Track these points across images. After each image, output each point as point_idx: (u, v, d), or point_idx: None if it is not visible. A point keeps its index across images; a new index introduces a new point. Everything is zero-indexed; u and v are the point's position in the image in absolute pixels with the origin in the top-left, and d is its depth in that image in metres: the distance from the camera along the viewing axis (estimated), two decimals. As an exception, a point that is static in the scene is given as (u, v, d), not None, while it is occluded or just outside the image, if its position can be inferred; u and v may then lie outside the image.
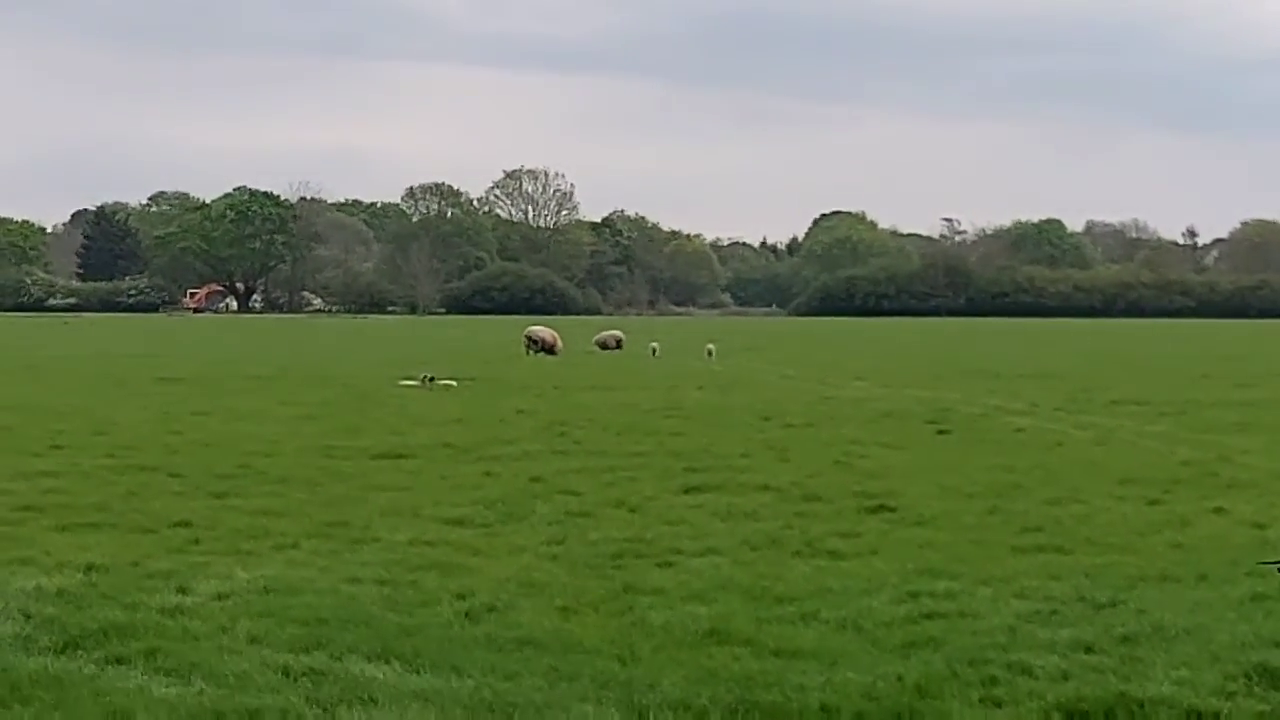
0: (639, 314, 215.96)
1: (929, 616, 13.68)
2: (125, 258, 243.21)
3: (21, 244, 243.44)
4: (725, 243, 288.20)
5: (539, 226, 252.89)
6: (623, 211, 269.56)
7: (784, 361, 68.83)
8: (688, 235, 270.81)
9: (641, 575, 15.60)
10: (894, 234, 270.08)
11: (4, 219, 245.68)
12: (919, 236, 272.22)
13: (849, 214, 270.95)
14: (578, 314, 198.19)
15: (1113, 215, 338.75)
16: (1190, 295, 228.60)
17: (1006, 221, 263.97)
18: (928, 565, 16.13)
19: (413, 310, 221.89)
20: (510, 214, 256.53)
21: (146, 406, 38.21)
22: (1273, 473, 24.66)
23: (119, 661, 12.12)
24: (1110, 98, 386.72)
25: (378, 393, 43.95)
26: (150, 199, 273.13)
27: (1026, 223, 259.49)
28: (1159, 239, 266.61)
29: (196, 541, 17.71)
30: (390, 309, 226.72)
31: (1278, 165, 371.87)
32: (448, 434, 30.70)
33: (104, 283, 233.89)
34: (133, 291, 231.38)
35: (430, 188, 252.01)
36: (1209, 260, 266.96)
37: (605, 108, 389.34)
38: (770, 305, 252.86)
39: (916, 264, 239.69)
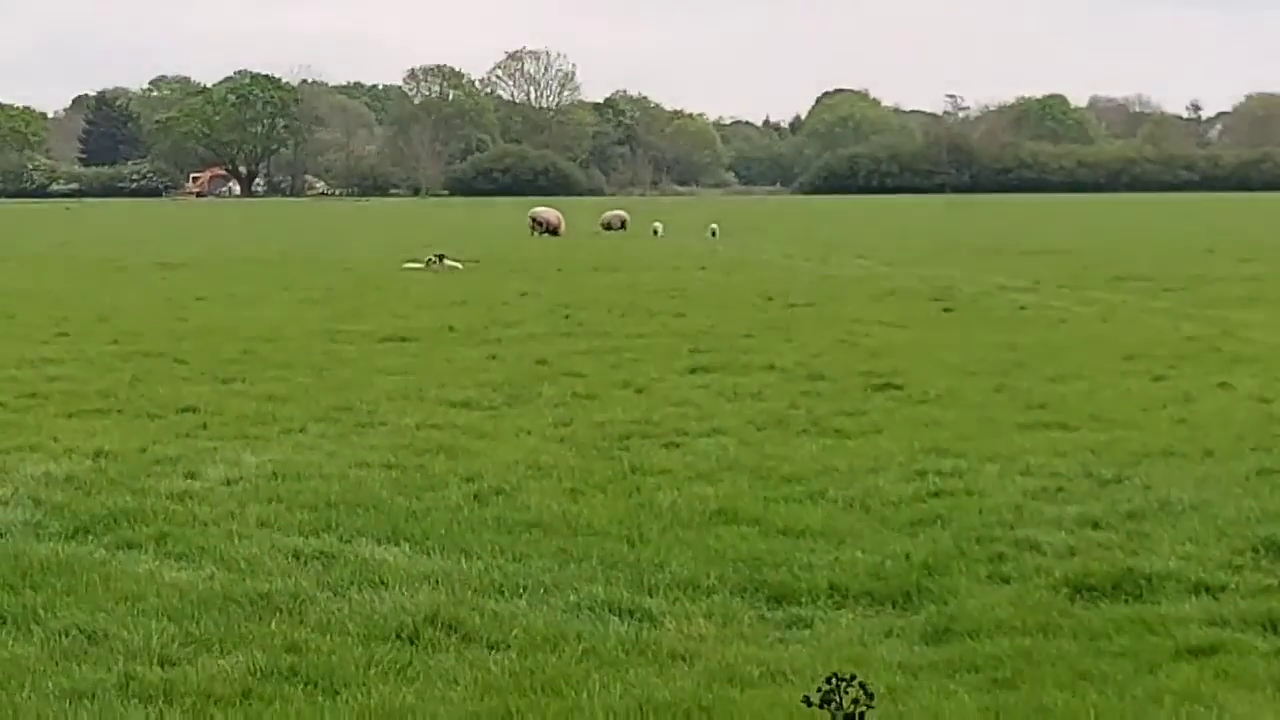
0: (642, 194, 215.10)
1: (936, 494, 13.73)
2: (127, 143, 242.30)
3: (23, 130, 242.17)
4: (728, 122, 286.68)
5: (541, 107, 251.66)
6: (625, 91, 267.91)
7: (787, 241, 68.71)
8: (690, 115, 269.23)
9: (648, 456, 15.64)
10: (897, 111, 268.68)
11: (4, 105, 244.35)
12: (922, 113, 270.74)
13: (852, 92, 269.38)
14: (581, 195, 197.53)
15: (1116, 90, 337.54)
16: (1194, 170, 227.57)
17: (1010, 98, 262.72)
18: (934, 443, 16.16)
19: (416, 193, 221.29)
20: (512, 95, 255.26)
21: (150, 293, 38.23)
22: (1276, 347, 24.69)
23: (129, 547, 12.17)
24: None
25: (381, 276, 43.94)
26: (151, 83, 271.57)
27: (1030, 99, 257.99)
28: (1163, 113, 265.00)
29: (203, 427, 17.75)
30: (393, 191, 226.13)
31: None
32: (451, 317, 30.69)
33: (106, 168, 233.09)
34: (135, 176, 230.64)
35: (431, 70, 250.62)
36: (1213, 134, 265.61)
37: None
38: (773, 184, 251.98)
39: (919, 141, 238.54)
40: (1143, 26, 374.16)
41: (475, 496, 13.77)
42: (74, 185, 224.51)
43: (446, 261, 46.22)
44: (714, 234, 71.02)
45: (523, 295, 36.47)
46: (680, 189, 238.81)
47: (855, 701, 6.72)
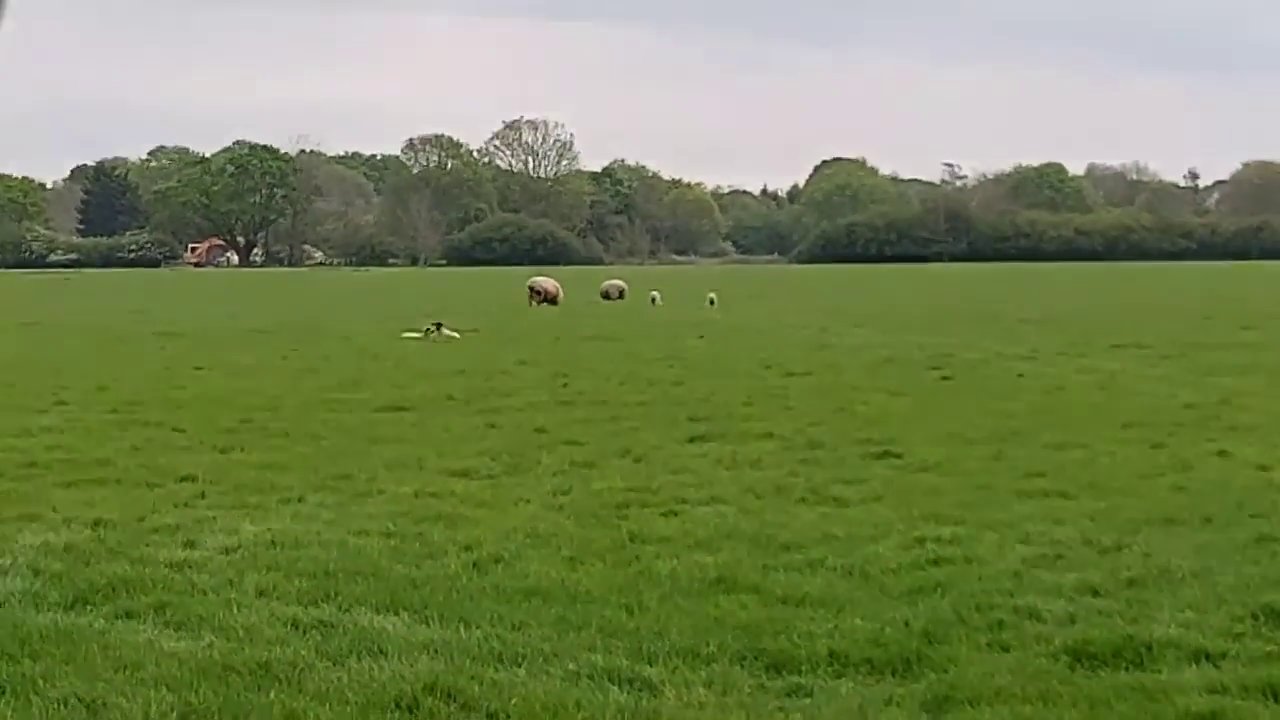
0: (640, 263, 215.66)
1: (935, 562, 13.71)
2: (125, 213, 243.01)
3: (22, 200, 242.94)
4: (726, 191, 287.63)
5: (539, 177, 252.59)
6: (623, 161, 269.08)
7: (785, 309, 68.83)
8: (688, 184, 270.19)
9: (647, 524, 15.63)
10: (894, 180, 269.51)
11: (4, 175, 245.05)
12: (919, 182, 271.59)
13: (849, 160, 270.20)
14: (579, 264, 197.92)
15: (1114, 158, 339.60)
16: (1191, 238, 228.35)
17: (1007, 166, 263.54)
18: (933, 511, 16.16)
19: (414, 262, 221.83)
20: (510, 165, 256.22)
21: (148, 362, 38.26)
22: (1275, 414, 24.69)
23: (128, 616, 12.16)
24: (1110, 38, 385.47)
25: (379, 345, 43.99)
26: (150, 154, 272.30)
27: (1027, 167, 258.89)
28: (1160, 181, 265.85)
29: (202, 496, 17.74)
30: (391, 261, 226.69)
31: (1279, 106, 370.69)
32: (450, 386, 30.73)
33: (105, 238, 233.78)
34: (133, 247, 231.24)
35: (430, 139, 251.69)
36: (1210, 202, 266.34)
37: (604, 55, 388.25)
38: (771, 253, 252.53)
39: (917, 210, 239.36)
40: (1140, 94, 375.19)
41: (474, 565, 13.76)
42: (73, 255, 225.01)
43: (445, 331, 46.31)
44: (712, 303, 71.17)
45: (521, 364, 36.50)
46: (678, 258, 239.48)
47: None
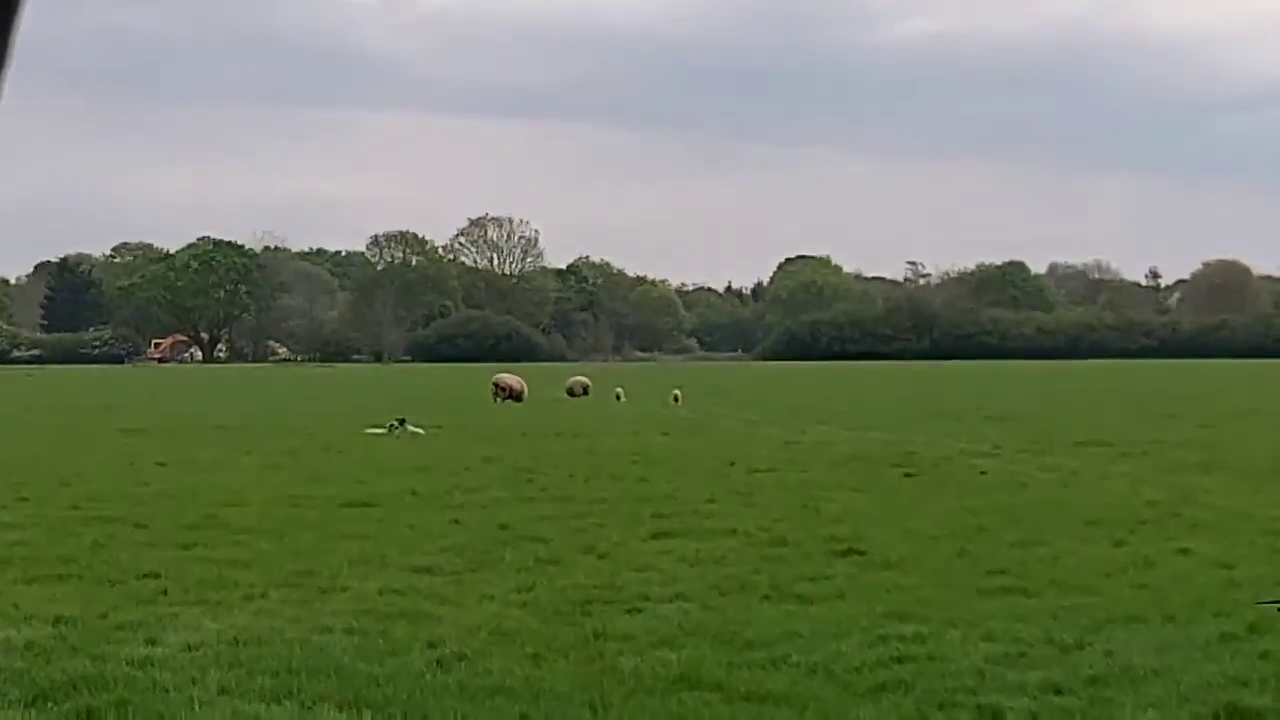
0: (605, 360, 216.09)
1: (898, 660, 13.71)
2: (89, 309, 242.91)
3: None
4: (690, 288, 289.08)
5: (504, 273, 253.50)
6: (587, 258, 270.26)
7: (749, 406, 68.94)
8: (652, 281, 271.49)
9: (611, 622, 15.61)
10: (858, 277, 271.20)
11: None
12: (883, 280, 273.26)
13: (813, 258, 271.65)
14: (543, 360, 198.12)
15: (1075, 256, 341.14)
16: (1153, 336, 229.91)
17: (970, 264, 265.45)
18: (896, 608, 16.16)
19: (378, 358, 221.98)
20: (475, 261, 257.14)
21: (111, 458, 38.13)
22: (1236, 512, 24.77)
23: (89, 714, 12.09)
24: (1072, 139, 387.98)
25: (343, 441, 43.93)
26: (113, 250, 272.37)
27: (990, 265, 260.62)
28: (1121, 280, 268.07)
29: (164, 592, 17.66)
30: (355, 357, 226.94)
31: (1239, 206, 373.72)
32: (414, 482, 30.68)
33: (68, 334, 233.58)
34: (97, 343, 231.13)
35: (395, 236, 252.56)
36: (1172, 301, 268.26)
37: (569, 153, 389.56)
38: (735, 350, 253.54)
39: (880, 308, 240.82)
40: (1101, 193, 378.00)
41: (438, 662, 13.73)
42: (35, 351, 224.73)
43: (408, 427, 46.31)
44: (677, 399, 71.26)
45: (485, 460, 36.46)
46: (642, 355, 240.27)
47: None
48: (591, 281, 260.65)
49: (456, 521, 24.25)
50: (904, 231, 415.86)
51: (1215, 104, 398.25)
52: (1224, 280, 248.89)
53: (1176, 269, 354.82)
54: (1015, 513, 25.03)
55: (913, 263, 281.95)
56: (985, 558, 20.00)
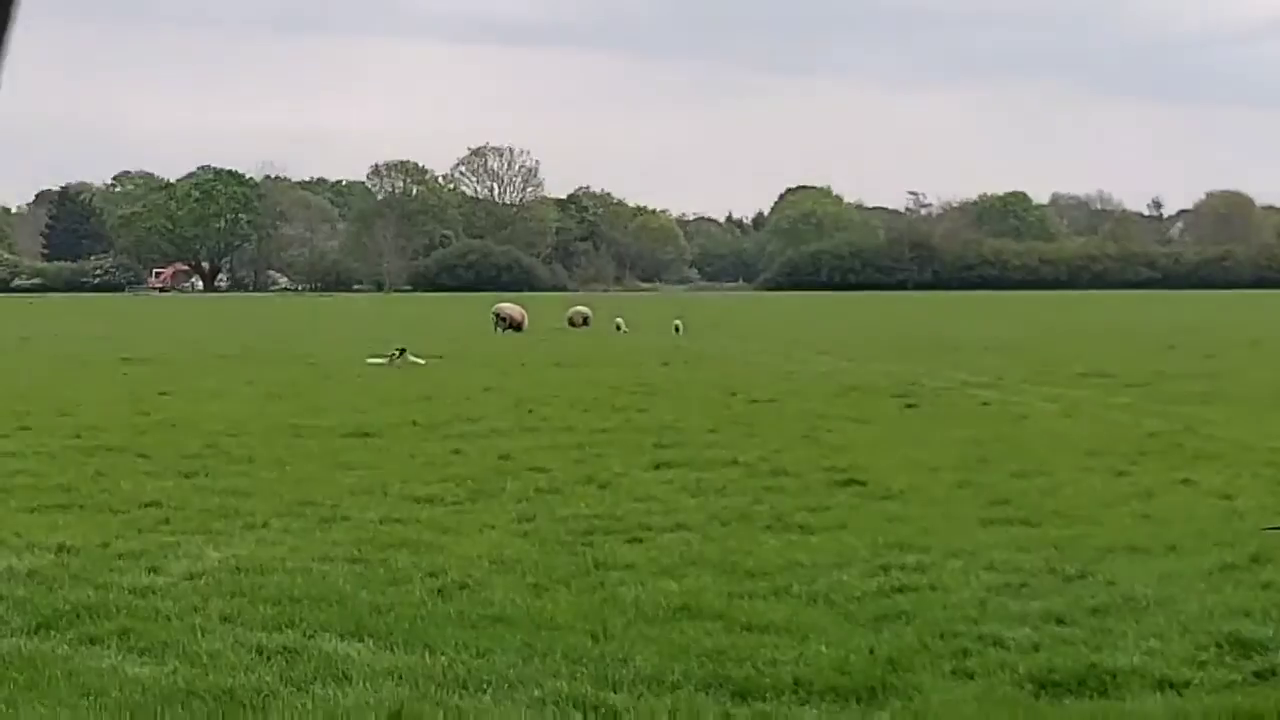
0: (605, 290, 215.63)
1: (899, 590, 13.72)
2: (90, 238, 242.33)
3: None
4: (691, 218, 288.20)
5: (505, 203, 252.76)
6: (588, 188, 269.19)
7: (750, 337, 68.93)
8: (653, 210, 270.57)
9: (612, 551, 15.62)
10: (859, 208, 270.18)
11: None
12: (885, 210, 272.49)
13: (814, 188, 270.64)
14: (544, 290, 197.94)
15: (1078, 187, 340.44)
16: (1155, 267, 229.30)
17: (972, 194, 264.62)
18: (897, 539, 16.17)
19: (379, 288, 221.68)
20: (476, 191, 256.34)
21: (112, 387, 38.14)
22: (1238, 443, 24.78)
23: (92, 642, 12.11)
24: (1074, 69, 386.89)
25: (343, 372, 43.92)
26: (114, 179, 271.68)
27: (992, 196, 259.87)
28: (1124, 211, 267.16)
29: (166, 521, 17.68)
30: (356, 287, 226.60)
31: (1242, 136, 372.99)
32: (415, 412, 30.67)
33: (69, 263, 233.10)
34: (98, 272, 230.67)
35: (395, 165, 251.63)
36: (1174, 232, 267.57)
37: (570, 83, 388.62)
38: (736, 280, 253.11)
39: (882, 238, 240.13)
40: (1104, 123, 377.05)
41: (439, 591, 13.74)
42: (37, 280, 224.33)
43: (409, 357, 46.28)
44: (678, 330, 71.22)
45: (486, 390, 36.46)
46: (644, 285, 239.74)
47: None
48: (592, 211, 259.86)
49: (457, 452, 24.25)
50: (905, 162, 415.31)
51: (1219, 34, 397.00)
52: (1227, 211, 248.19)
53: (1179, 200, 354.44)
54: (1017, 443, 25.05)
55: (914, 193, 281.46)
56: (987, 488, 20.01)
